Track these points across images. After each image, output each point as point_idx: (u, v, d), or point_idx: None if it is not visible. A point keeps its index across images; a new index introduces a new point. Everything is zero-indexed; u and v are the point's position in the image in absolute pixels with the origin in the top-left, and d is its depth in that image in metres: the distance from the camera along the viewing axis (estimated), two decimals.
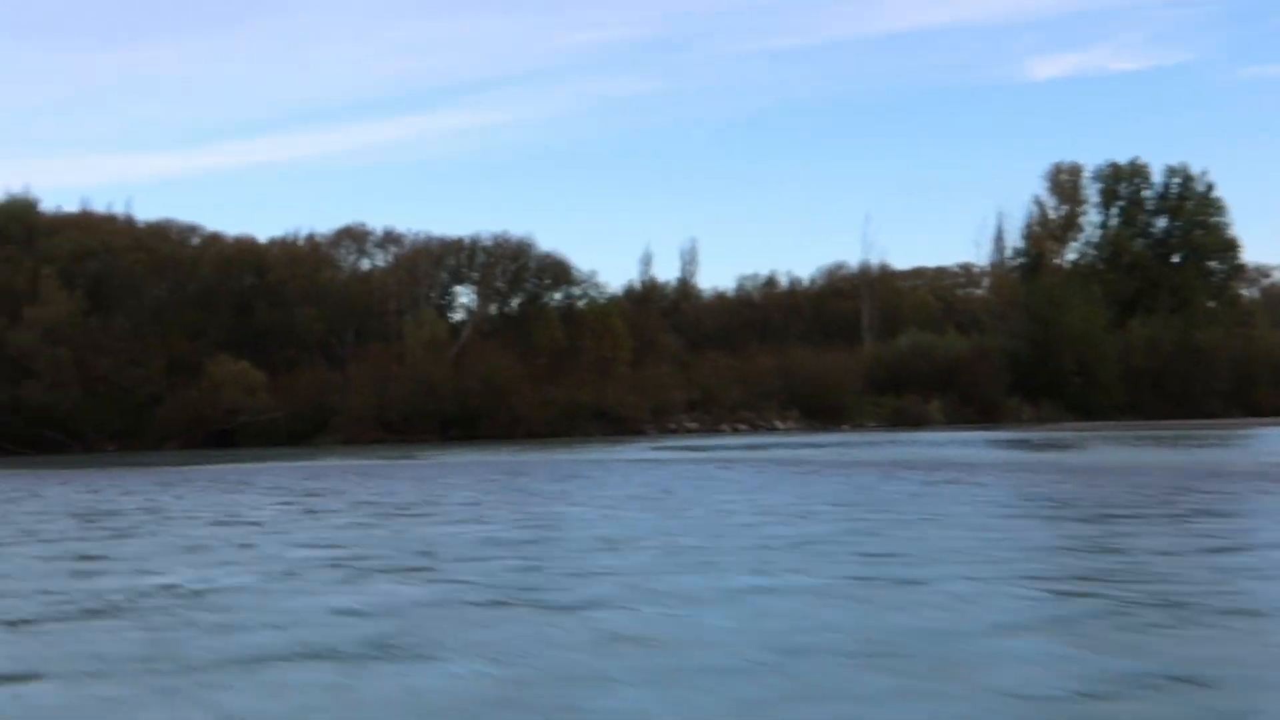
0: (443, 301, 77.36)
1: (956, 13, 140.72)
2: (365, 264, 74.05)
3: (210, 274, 69.23)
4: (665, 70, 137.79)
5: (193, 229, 70.66)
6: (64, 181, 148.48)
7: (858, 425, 65.73)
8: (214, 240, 71.06)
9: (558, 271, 77.39)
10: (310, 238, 73.16)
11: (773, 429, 65.07)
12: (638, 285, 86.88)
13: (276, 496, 18.14)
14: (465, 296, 78.84)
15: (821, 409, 66.71)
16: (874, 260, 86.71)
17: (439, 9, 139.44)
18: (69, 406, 60.31)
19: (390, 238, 73.05)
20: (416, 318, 69.01)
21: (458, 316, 78.34)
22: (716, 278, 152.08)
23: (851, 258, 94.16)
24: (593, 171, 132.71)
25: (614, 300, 75.49)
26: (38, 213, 67.16)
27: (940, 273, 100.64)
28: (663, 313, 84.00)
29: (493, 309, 76.90)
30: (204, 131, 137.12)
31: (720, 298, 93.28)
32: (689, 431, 63.20)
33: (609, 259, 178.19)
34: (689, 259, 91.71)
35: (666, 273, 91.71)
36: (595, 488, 18.59)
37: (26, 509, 16.97)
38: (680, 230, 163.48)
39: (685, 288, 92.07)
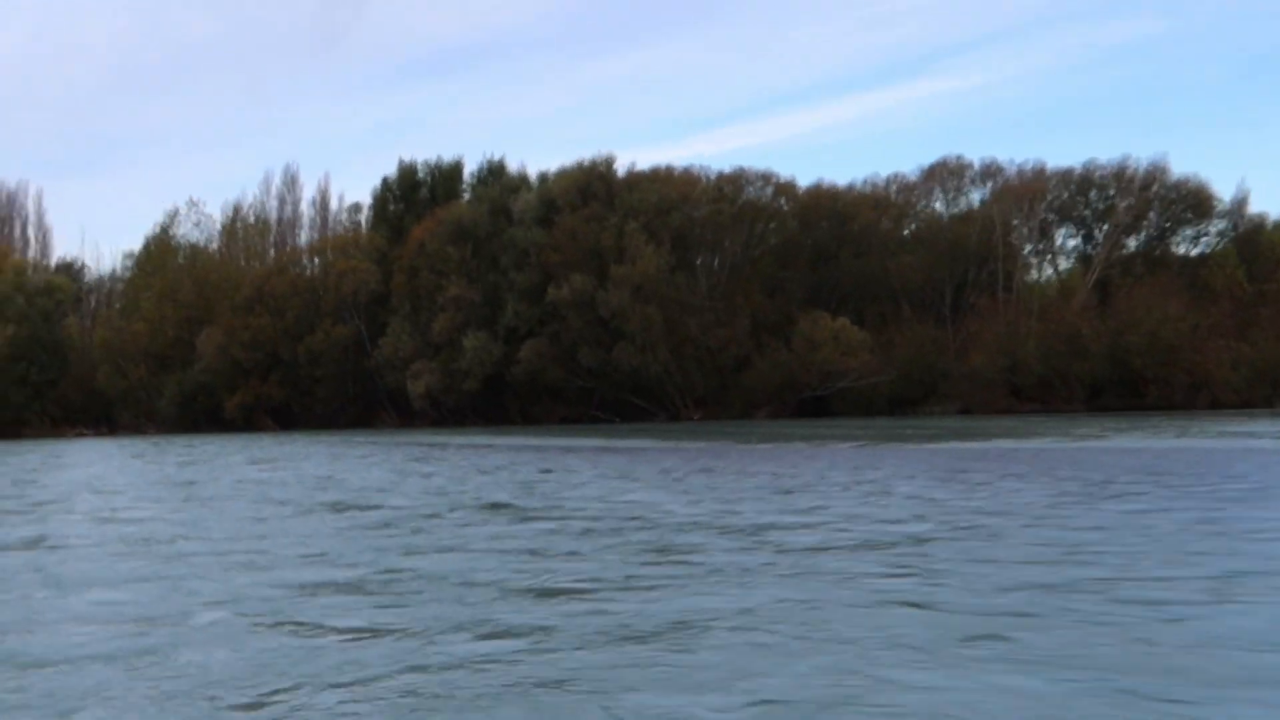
0: (1042, 244, 64.30)
1: None
2: (961, 205, 62.78)
3: (788, 224, 62.19)
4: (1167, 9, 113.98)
5: (765, 177, 63.79)
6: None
7: None
8: (788, 188, 63.81)
9: (1197, 201, 61.09)
10: (896, 178, 63.54)
11: None
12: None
13: None
14: (1072, 238, 65.16)
15: None
16: None
17: None
18: (657, 371, 55.80)
19: (990, 171, 61.29)
20: (1032, 261, 56.83)
21: (1062, 263, 65.05)
22: None
23: None
24: (1127, 115, 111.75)
25: None
26: (614, 171, 63.98)
27: None
28: None
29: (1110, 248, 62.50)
30: (733, 111, 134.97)
31: None
32: None
33: None
34: None
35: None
36: None
37: None
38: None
39: None
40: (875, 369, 52.14)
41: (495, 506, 10.94)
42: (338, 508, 11.31)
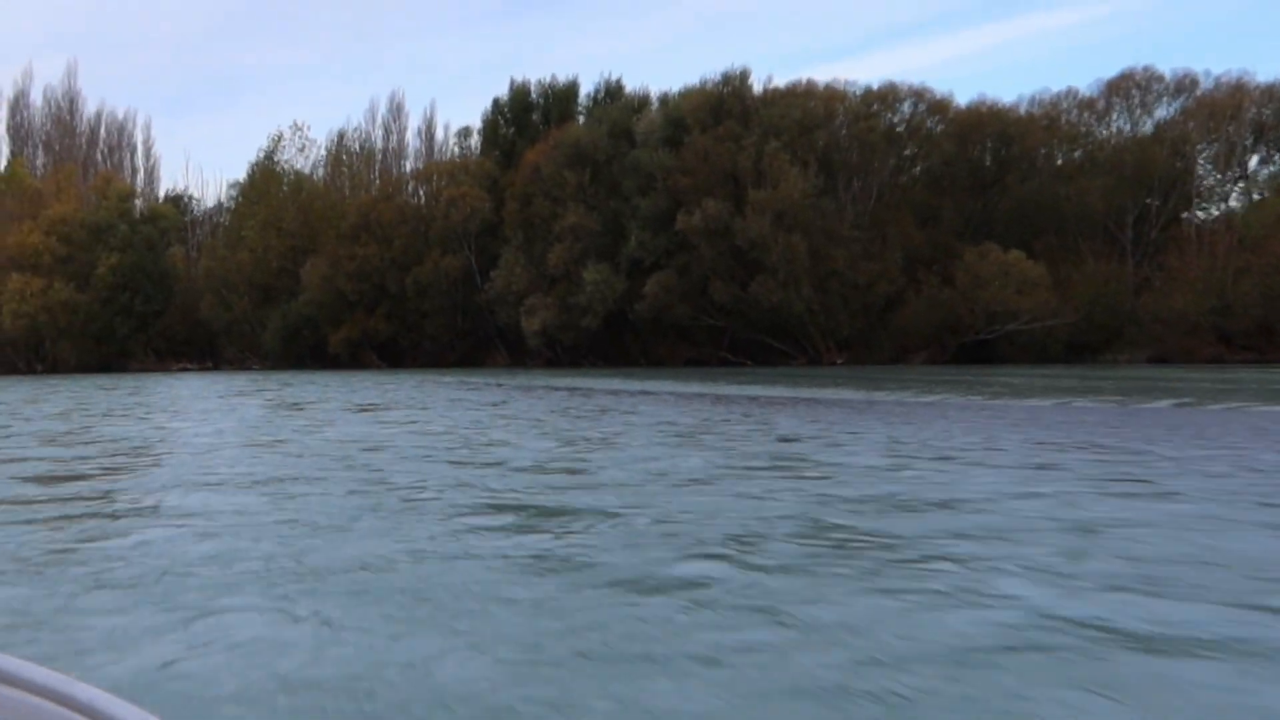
0: (1237, 168, 56.28)
1: None
2: (1146, 126, 55.09)
3: (944, 146, 55.51)
4: None
5: (919, 93, 57.03)
6: None
7: None
8: (943, 106, 56.96)
9: None
10: (1069, 94, 56.13)
11: None
12: None
13: None
14: (1267, 163, 56.94)
15: None
16: None
17: None
18: (800, 308, 50.13)
19: (1184, 84, 53.51)
20: (1238, 186, 49.33)
21: (1254, 191, 56.95)
22: None
23: None
24: None
25: None
26: (750, 87, 57.90)
27: None
28: None
29: None
30: (876, 34, 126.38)
31: None
32: None
33: None
34: None
35: None
36: None
37: None
38: None
39: None
40: (1053, 310, 45.65)
41: (827, 530, 5.73)
42: (499, 520, 6.26)
